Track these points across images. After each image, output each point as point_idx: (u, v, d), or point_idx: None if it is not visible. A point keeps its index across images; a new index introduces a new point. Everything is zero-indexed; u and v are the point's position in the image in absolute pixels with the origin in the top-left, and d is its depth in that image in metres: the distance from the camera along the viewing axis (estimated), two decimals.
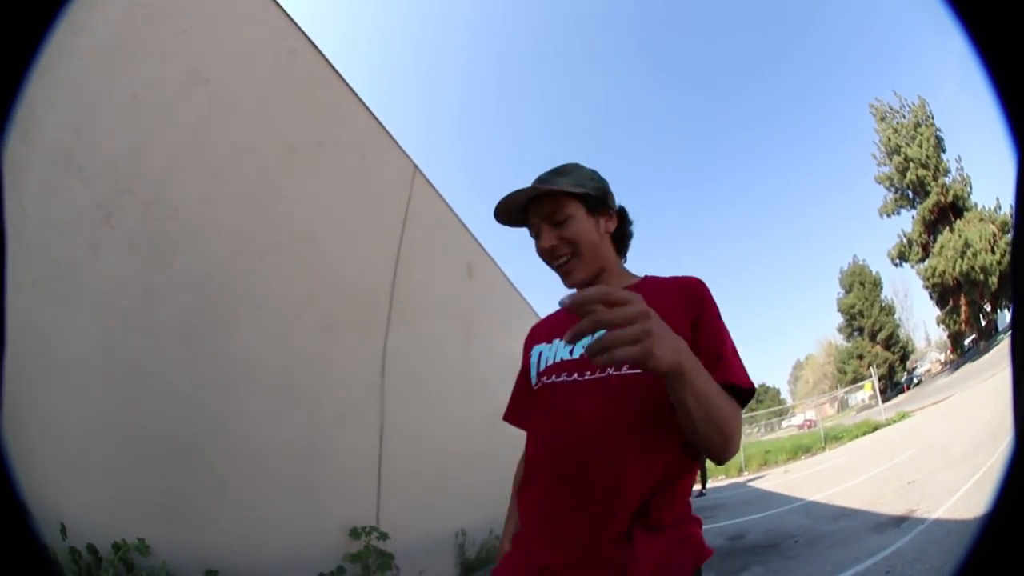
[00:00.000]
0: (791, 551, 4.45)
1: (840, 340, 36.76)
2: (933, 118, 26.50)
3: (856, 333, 33.99)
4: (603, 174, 1.02)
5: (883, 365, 30.51)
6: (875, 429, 13.74)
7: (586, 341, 0.84)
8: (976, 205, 24.13)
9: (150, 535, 1.80)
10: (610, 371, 0.85)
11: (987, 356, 19.65)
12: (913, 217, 26.43)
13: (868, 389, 23.44)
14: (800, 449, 14.44)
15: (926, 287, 25.89)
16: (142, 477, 1.90)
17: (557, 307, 1.13)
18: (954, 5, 0.40)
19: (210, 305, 2.34)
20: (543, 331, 1.06)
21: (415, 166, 4.16)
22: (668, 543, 0.80)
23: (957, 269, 22.94)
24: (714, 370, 0.79)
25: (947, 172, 25.52)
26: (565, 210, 0.93)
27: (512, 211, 0.96)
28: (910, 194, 26.57)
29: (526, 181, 0.97)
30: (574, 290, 0.90)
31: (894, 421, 13.93)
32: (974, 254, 22.20)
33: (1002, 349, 17.61)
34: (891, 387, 28.78)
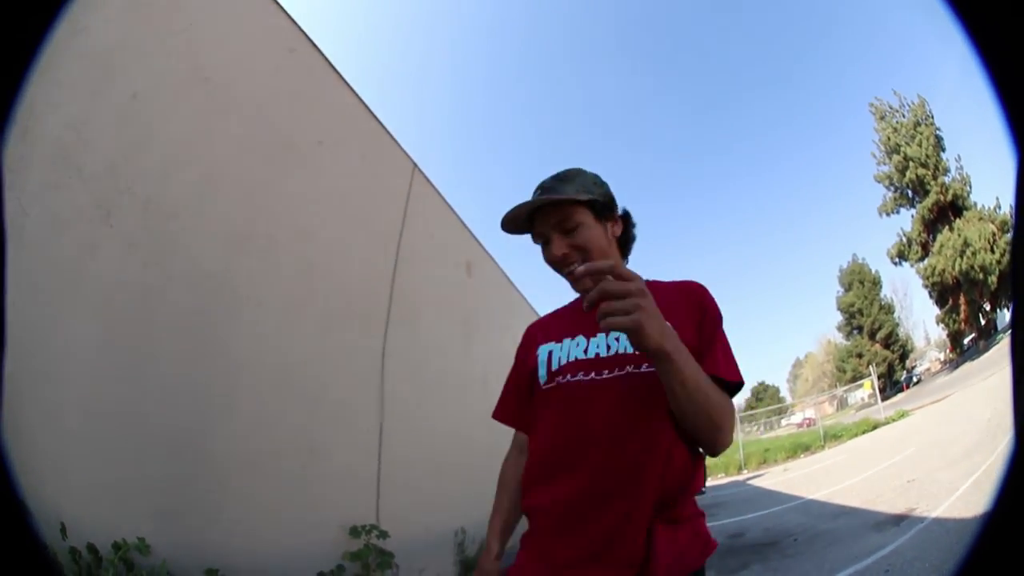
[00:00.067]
0: (790, 549, 4.46)
1: (839, 338, 36.86)
2: (933, 117, 26.53)
3: (855, 331, 34.02)
4: (603, 174, 1.02)
5: (882, 364, 30.53)
6: (874, 428, 13.75)
7: (601, 342, 0.94)
8: (975, 204, 24.14)
9: (150, 534, 1.80)
10: (629, 368, 0.87)
11: (986, 355, 19.67)
12: (912, 216, 26.45)
13: (867, 388, 23.46)
14: (799, 447, 14.46)
15: (925, 286, 25.91)
16: (142, 476, 1.90)
17: (556, 307, 1.13)
18: (954, 5, 0.40)
19: (210, 304, 2.34)
20: (548, 331, 1.04)
21: (414, 165, 4.16)
22: (684, 536, 0.85)
23: (956, 268, 22.95)
24: (702, 363, 0.82)
25: (947, 171, 25.53)
26: (574, 218, 0.93)
27: (519, 221, 0.96)
28: (909, 193, 26.57)
29: (526, 180, 0.97)
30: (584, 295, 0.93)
31: (893, 420, 13.94)
32: (973, 253, 22.21)
33: (1001, 348, 17.64)
34: (890, 386, 28.81)
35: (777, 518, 6.08)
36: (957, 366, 22.61)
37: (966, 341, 25.19)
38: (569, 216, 0.93)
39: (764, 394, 51.38)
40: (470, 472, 4.12)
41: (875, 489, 6.08)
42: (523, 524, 1.00)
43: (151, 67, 2.19)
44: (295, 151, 2.96)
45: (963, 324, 24.90)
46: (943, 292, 25.23)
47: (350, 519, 2.85)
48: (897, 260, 27.78)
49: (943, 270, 23.83)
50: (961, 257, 22.70)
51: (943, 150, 25.90)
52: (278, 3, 2.86)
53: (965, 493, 4.57)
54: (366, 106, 3.58)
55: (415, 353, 3.83)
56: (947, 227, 24.35)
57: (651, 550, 0.79)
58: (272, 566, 2.33)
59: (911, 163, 25.83)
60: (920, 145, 25.79)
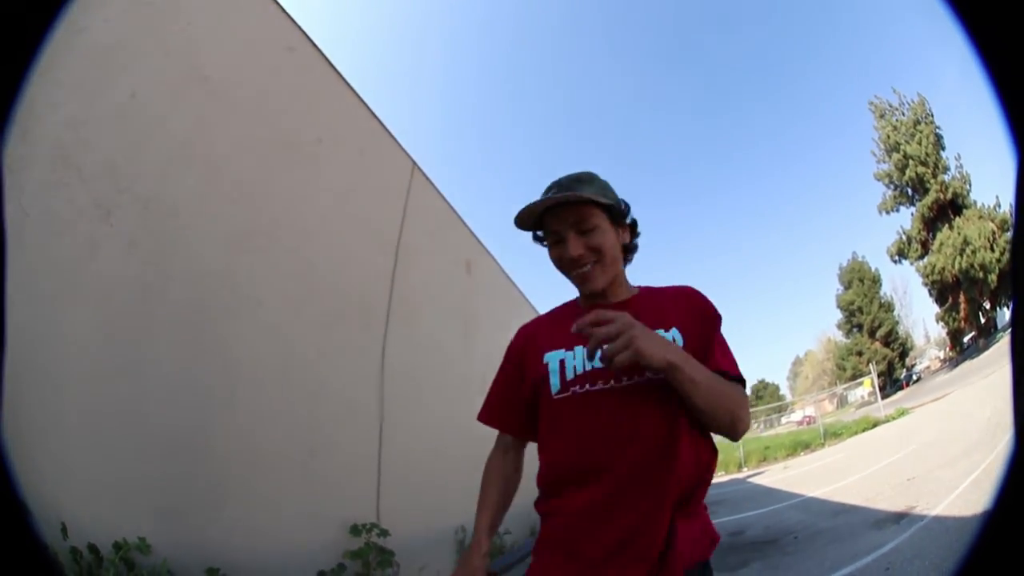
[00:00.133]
0: (790, 547, 4.47)
1: (839, 336, 36.85)
2: (932, 116, 26.50)
3: (855, 329, 34.01)
4: (603, 168, 1.04)
5: (882, 362, 30.53)
6: (874, 426, 13.77)
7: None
8: (975, 203, 24.14)
9: (151, 534, 1.80)
10: (648, 373, 0.89)
11: (986, 353, 19.67)
12: (912, 214, 26.45)
13: (867, 386, 23.46)
14: (799, 445, 14.50)
15: (925, 284, 25.93)
16: (142, 476, 1.91)
17: (554, 306, 1.14)
18: (954, 5, 0.40)
19: (209, 302, 2.34)
20: (553, 336, 1.01)
21: (414, 163, 4.16)
22: (697, 528, 0.91)
23: (956, 266, 22.96)
24: (704, 364, 0.89)
25: (946, 169, 25.52)
26: (592, 220, 0.94)
27: (533, 216, 0.96)
28: (909, 191, 26.57)
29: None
30: (590, 295, 1.01)
31: (893, 418, 13.97)
32: (973, 251, 22.22)
33: (1001, 347, 17.63)
34: (890, 384, 28.80)
35: (777, 516, 6.10)
36: (957, 364, 22.62)
37: (966, 339, 25.20)
38: (587, 217, 0.94)
39: (764, 392, 51.49)
40: (470, 470, 4.10)
41: (875, 487, 6.09)
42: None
43: (150, 67, 2.18)
44: (295, 150, 2.96)
45: (963, 322, 24.92)
46: (943, 290, 25.24)
47: (350, 518, 2.85)
48: (897, 258, 27.80)
49: (943, 268, 23.84)
50: (961, 255, 22.71)
51: (943, 148, 25.91)
52: (277, 2, 2.86)
53: (965, 491, 4.57)
54: (365, 105, 3.58)
55: (415, 351, 3.83)
56: (947, 225, 24.35)
57: (671, 543, 0.84)
58: (273, 565, 2.33)
59: (911, 161, 25.82)
60: (920, 143, 25.77)
